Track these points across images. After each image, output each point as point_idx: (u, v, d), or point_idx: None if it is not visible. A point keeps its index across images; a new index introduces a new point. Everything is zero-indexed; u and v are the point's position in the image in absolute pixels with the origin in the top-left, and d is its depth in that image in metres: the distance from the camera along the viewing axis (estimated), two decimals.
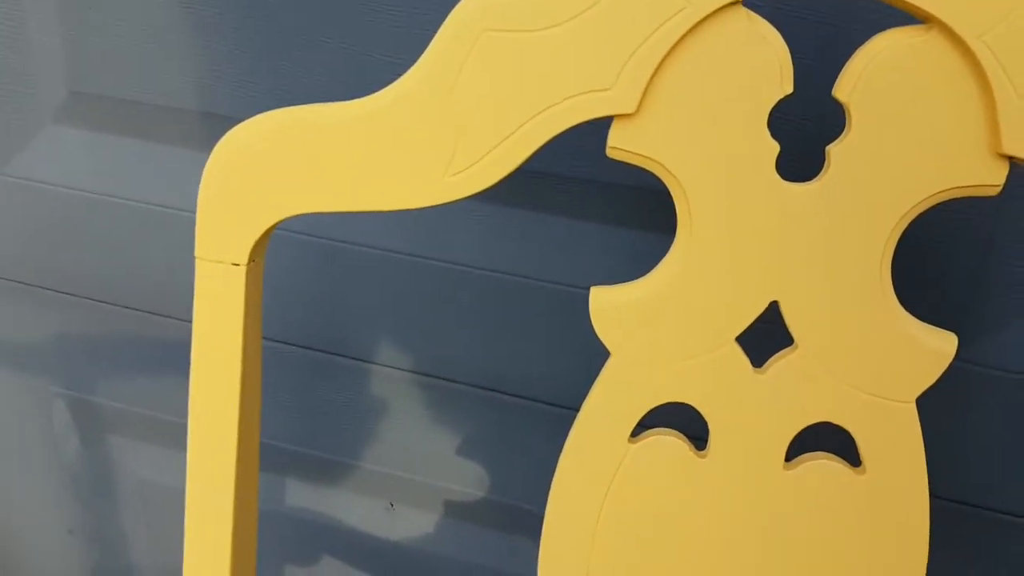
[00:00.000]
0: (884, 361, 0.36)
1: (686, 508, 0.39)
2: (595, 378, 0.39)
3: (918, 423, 0.37)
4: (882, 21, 0.34)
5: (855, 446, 0.38)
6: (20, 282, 0.71)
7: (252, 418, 0.40)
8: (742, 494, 0.39)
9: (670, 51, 0.34)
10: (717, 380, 0.38)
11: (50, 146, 0.65)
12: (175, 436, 0.72)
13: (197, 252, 0.37)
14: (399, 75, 0.35)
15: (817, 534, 0.39)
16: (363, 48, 0.55)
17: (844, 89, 0.34)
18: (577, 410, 0.40)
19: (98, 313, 0.70)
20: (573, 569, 0.41)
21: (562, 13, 0.34)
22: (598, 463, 0.40)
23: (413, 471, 0.68)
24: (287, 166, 0.36)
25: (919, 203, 0.35)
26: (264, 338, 0.64)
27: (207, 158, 0.36)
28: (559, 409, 0.61)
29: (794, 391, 0.37)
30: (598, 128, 0.36)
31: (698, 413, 0.39)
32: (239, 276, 0.37)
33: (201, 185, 0.36)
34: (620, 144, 0.36)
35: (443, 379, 0.63)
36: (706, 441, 0.39)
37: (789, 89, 0.34)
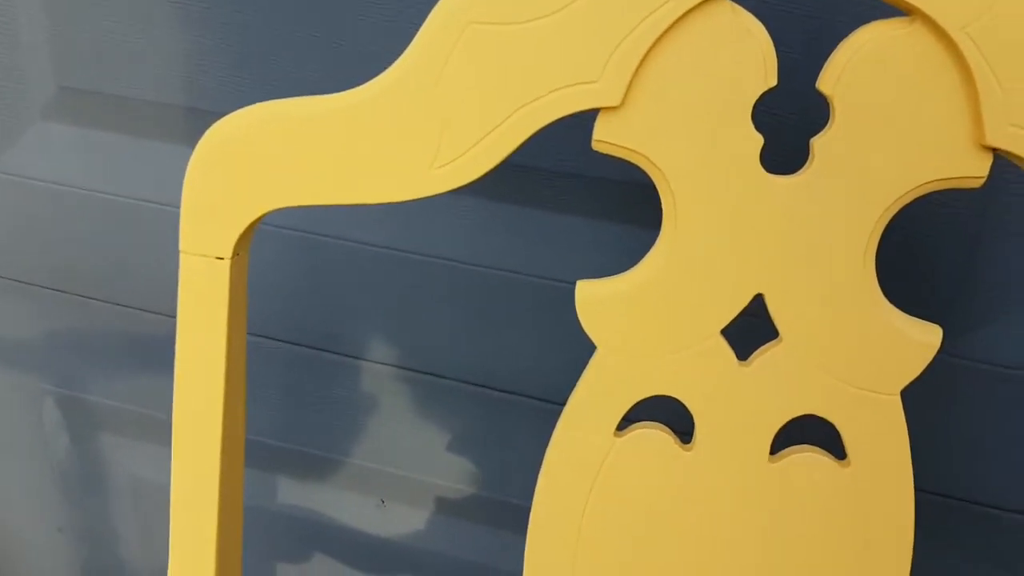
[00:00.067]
0: (869, 354, 0.36)
1: (672, 501, 0.39)
2: None
3: (903, 416, 0.37)
4: (868, 14, 0.34)
5: (840, 439, 0.38)
6: (9, 279, 0.71)
7: (237, 412, 0.40)
8: (727, 487, 0.39)
9: (655, 44, 0.34)
10: (702, 373, 0.38)
11: (39, 142, 0.65)
12: (166, 433, 0.72)
13: (181, 246, 0.37)
14: None
15: (802, 527, 0.39)
16: (353, 43, 0.55)
17: (828, 82, 0.34)
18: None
19: (88, 309, 0.70)
20: (559, 562, 0.41)
21: (547, 6, 0.34)
22: (584, 457, 0.40)
23: (404, 468, 0.67)
24: (271, 159, 0.35)
25: (903, 195, 0.35)
26: (253, 334, 0.64)
27: None
28: (549, 404, 0.61)
29: (779, 384, 0.37)
30: (585, 122, 0.36)
31: (684, 406, 0.39)
32: (223, 270, 0.37)
33: (185, 179, 0.36)
34: (605, 137, 0.36)
35: (433, 375, 0.63)
36: (692, 434, 0.39)
37: (773, 82, 0.35)
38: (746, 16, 0.34)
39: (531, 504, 0.41)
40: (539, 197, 0.56)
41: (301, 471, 0.70)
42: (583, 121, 0.36)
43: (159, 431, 0.73)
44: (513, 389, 0.62)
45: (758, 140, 0.35)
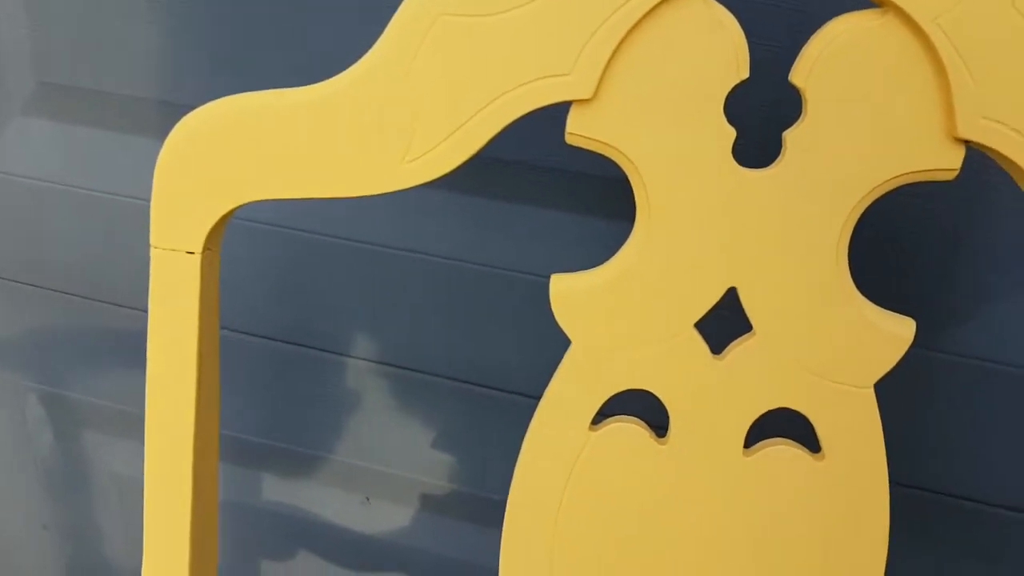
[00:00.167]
0: (842, 347, 0.36)
1: (647, 495, 0.39)
2: None
3: (876, 408, 0.37)
4: (854, 6, 0.34)
5: (814, 433, 0.38)
6: None
7: (210, 408, 0.40)
8: (702, 480, 0.39)
9: (626, 36, 0.34)
10: (676, 366, 0.38)
11: (19, 137, 0.65)
12: None
13: (152, 240, 0.37)
14: None
15: (777, 520, 0.39)
16: (333, 39, 0.55)
17: (800, 74, 0.34)
18: None
19: (70, 306, 0.69)
20: (536, 557, 0.41)
21: None
22: (560, 451, 0.40)
23: (389, 465, 0.67)
24: (241, 152, 0.35)
25: (875, 188, 0.35)
26: (236, 331, 0.64)
27: None
28: (533, 400, 0.60)
29: (753, 377, 0.37)
30: (565, 116, 0.36)
31: (659, 400, 0.39)
32: (194, 264, 0.37)
33: (155, 172, 0.36)
34: (578, 130, 0.36)
35: (418, 371, 0.63)
36: (667, 428, 0.39)
37: (745, 74, 0.34)
38: (718, 8, 0.34)
39: None
40: (520, 192, 0.55)
41: (285, 468, 0.70)
42: (563, 115, 0.36)
43: (143, 428, 0.72)
44: (497, 385, 0.61)
45: (730, 133, 0.35)
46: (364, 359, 0.63)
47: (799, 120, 0.35)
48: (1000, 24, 0.32)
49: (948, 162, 0.34)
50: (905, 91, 0.34)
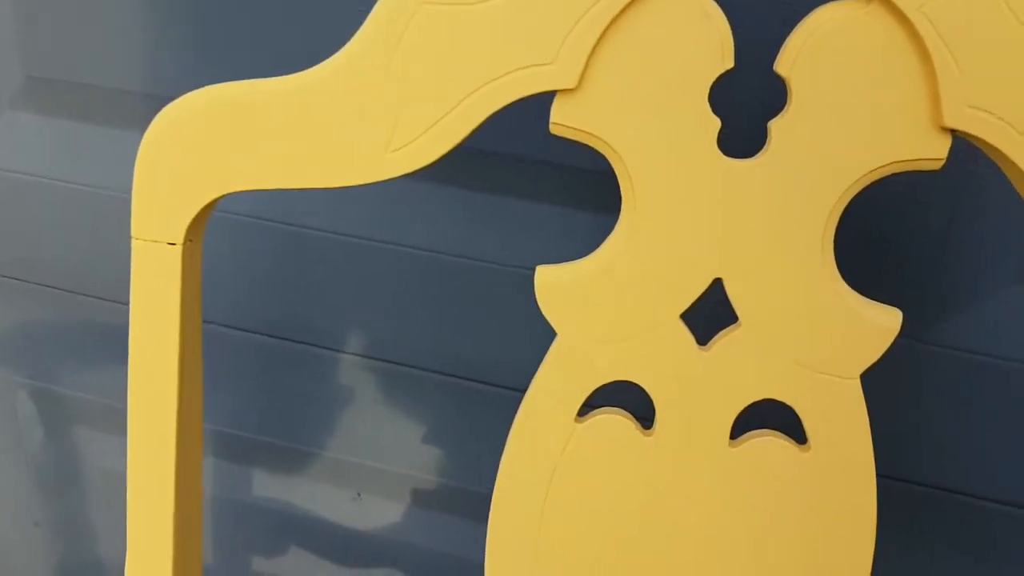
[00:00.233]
0: (828, 337, 0.36)
1: (633, 486, 0.39)
2: None
3: (863, 399, 0.37)
4: None
5: (800, 424, 0.38)
6: None
7: (193, 401, 0.40)
8: (688, 472, 0.39)
9: (610, 25, 0.34)
10: (662, 358, 0.38)
11: (7, 131, 0.64)
12: None
13: (133, 232, 0.36)
14: None
15: (763, 511, 0.39)
16: (324, 32, 0.55)
17: (785, 64, 0.34)
18: None
19: (60, 301, 0.69)
20: (522, 548, 0.40)
21: None
22: (545, 443, 0.40)
23: (380, 460, 0.67)
24: (222, 142, 0.35)
25: (861, 178, 0.35)
26: (224, 325, 0.64)
27: None
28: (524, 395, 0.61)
29: (738, 368, 0.37)
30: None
31: (645, 392, 0.39)
32: (175, 256, 0.36)
33: (136, 163, 0.36)
34: (562, 120, 0.35)
35: (407, 366, 0.63)
36: (653, 420, 0.39)
37: (730, 64, 0.34)
38: None
39: None
40: (507, 185, 0.55)
41: (276, 464, 0.70)
42: (549, 107, 0.35)
43: None
44: (486, 379, 0.61)
45: (715, 123, 0.35)
46: (353, 354, 0.63)
47: (784, 110, 0.35)
48: (986, 12, 0.32)
49: (934, 151, 0.34)
50: (890, 80, 0.34)
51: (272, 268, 0.62)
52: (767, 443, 0.38)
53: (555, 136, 0.36)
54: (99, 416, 0.73)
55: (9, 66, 0.62)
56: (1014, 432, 0.53)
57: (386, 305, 0.61)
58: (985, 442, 0.53)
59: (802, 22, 0.34)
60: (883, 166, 0.35)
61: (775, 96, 0.35)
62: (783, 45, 0.34)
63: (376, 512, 0.69)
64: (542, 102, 0.35)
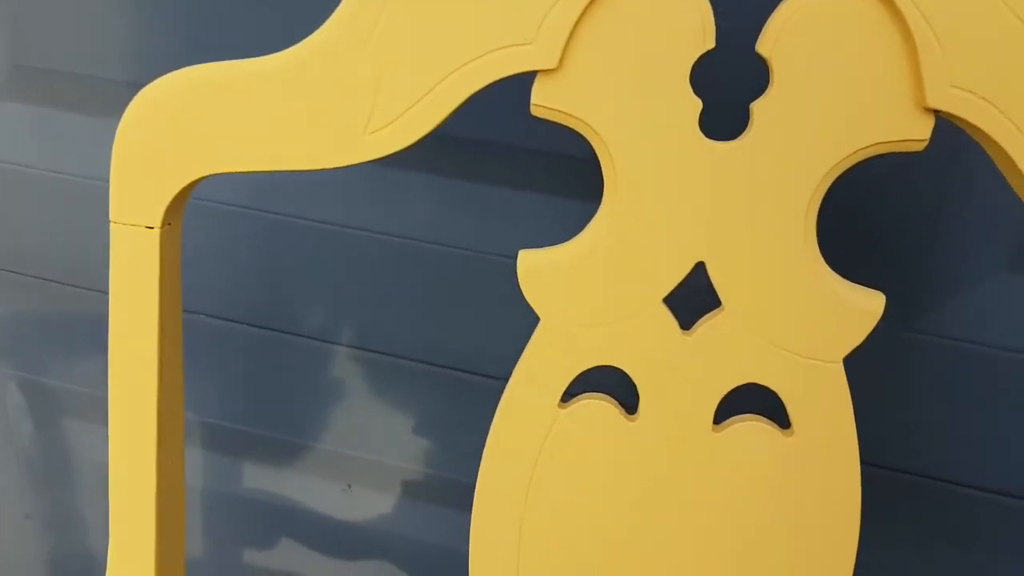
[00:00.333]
0: (811, 321, 0.36)
1: (617, 471, 0.39)
2: None
3: (846, 383, 0.37)
4: None
5: (784, 409, 0.38)
6: None
7: (174, 387, 0.39)
8: (672, 456, 0.38)
9: (590, 3, 0.33)
10: (645, 342, 0.37)
11: None
12: None
13: (111, 215, 0.36)
14: None
15: (747, 496, 0.38)
16: (310, 20, 0.54)
17: (766, 44, 0.34)
18: None
19: (49, 293, 0.69)
20: (506, 533, 0.40)
21: None
22: (529, 428, 0.39)
23: (370, 452, 0.67)
24: (199, 124, 0.35)
25: (844, 159, 0.34)
26: (208, 315, 0.64)
27: None
28: None
29: (722, 352, 0.37)
30: None
31: (629, 378, 0.38)
32: (153, 240, 0.36)
33: (114, 145, 0.35)
34: (543, 101, 0.35)
35: (395, 356, 0.62)
36: (636, 405, 0.39)
37: (711, 44, 0.34)
38: None
39: None
40: (493, 173, 0.55)
41: (265, 456, 0.70)
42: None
43: None
44: (476, 369, 0.61)
45: (697, 104, 0.35)
46: (340, 344, 0.63)
47: (766, 91, 0.34)
48: None
49: (917, 132, 0.34)
50: (873, 60, 0.33)
51: (256, 257, 0.62)
52: (751, 428, 0.38)
53: (539, 124, 0.36)
54: (89, 408, 0.73)
55: None
56: (999, 420, 0.52)
57: (372, 294, 0.60)
58: (970, 430, 0.53)
59: (783, 2, 0.34)
60: (866, 147, 0.34)
61: (757, 77, 0.35)
62: (765, 25, 0.34)
63: (366, 503, 0.69)
64: (524, 89, 0.35)
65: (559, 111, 0.35)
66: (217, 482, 0.72)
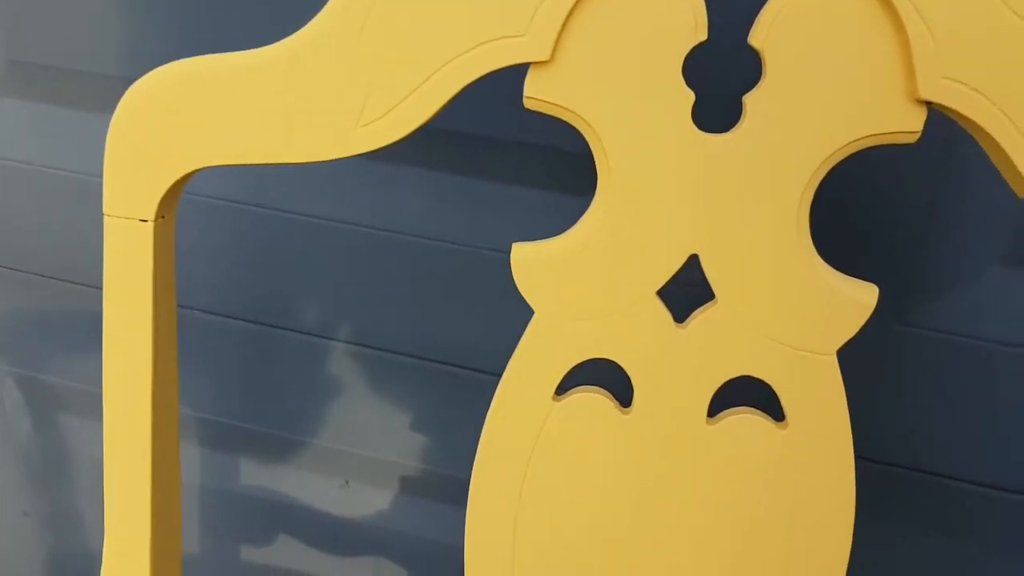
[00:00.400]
0: (804, 313, 0.36)
1: (611, 465, 0.39)
2: None
3: (839, 375, 0.37)
4: None
5: (778, 401, 0.38)
6: None
7: (169, 381, 0.39)
8: (666, 449, 0.38)
9: None
10: (639, 335, 0.37)
11: None
12: None
13: (105, 208, 0.36)
14: None
15: (741, 489, 0.38)
16: (306, 14, 0.54)
17: (758, 36, 0.34)
18: None
19: (46, 289, 0.69)
20: (500, 528, 0.40)
21: None
22: (523, 422, 0.39)
23: (367, 448, 0.67)
24: (192, 117, 0.35)
25: (836, 151, 0.34)
26: (204, 311, 0.64)
27: None
28: None
29: (715, 345, 0.37)
30: None
31: (623, 372, 0.38)
32: (147, 232, 0.36)
33: (107, 138, 0.35)
34: (535, 94, 0.35)
35: (392, 352, 0.62)
36: (631, 399, 0.39)
37: (703, 36, 0.34)
38: None
39: None
40: (488, 168, 0.55)
41: (262, 452, 0.70)
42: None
43: None
44: (472, 365, 0.61)
45: (689, 96, 0.35)
46: (335, 340, 0.63)
47: (759, 83, 0.34)
48: None
49: (909, 124, 0.34)
50: (865, 52, 0.33)
51: (251, 253, 0.62)
52: (745, 420, 0.38)
53: (532, 118, 0.36)
54: (87, 404, 0.73)
55: None
56: (993, 414, 0.52)
57: (367, 290, 0.60)
58: (964, 424, 0.53)
59: None
60: (858, 139, 0.34)
61: (750, 69, 0.35)
62: (757, 17, 0.34)
63: (363, 499, 0.69)
64: (517, 83, 0.35)
65: (552, 103, 0.35)
66: (214, 479, 0.72)
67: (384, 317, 0.61)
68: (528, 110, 0.36)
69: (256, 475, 0.71)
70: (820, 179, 0.35)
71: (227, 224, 0.61)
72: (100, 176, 0.63)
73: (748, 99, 0.35)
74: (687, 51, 0.34)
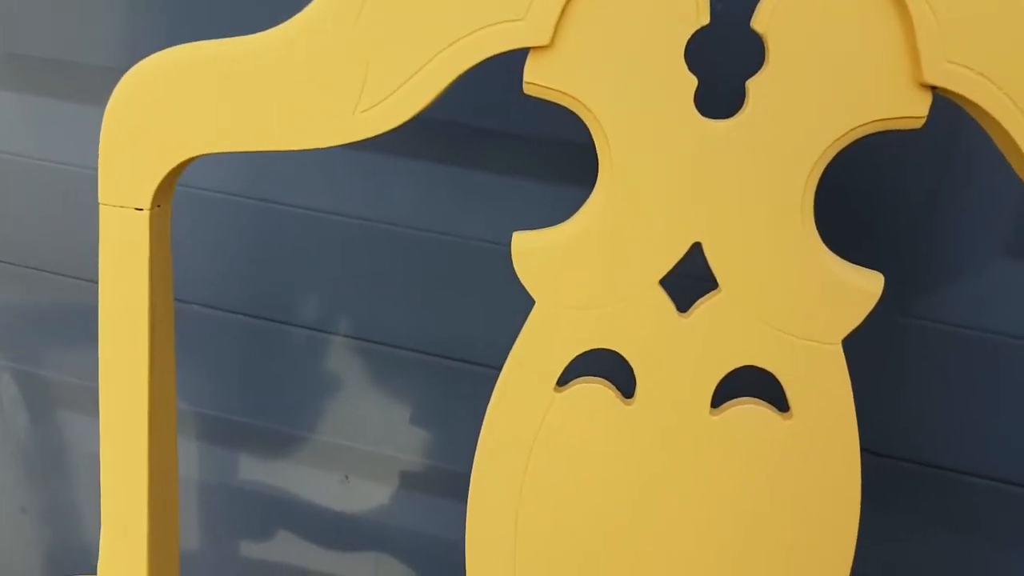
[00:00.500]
0: (808, 301, 0.36)
1: (613, 456, 0.38)
2: None
3: (845, 365, 0.36)
4: None
5: (783, 392, 0.37)
6: None
7: (166, 372, 0.39)
8: (669, 440, 0.38)
9: None
10: (641, 325, 0.37)
11: None
12: None
13: (100, 197, 0.36)
14: None
15: (746, 480, 0.38)
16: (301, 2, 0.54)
17: (761, 20, 0.33)
18: None
19: (42, 283, 0.68)
20: (502, 519, 0.40)
21: None
22: (525, 413, 0.39)
23: (367, 442, 0.67)
24: (188, 104, 0.34)
25: (841, 137, 0.34)
26: (203, 305, 0.63)
27: None
28: None
29: (719, 334, 0.37)
30: None
31: (625, 362, 0.38)
32: (143, 221, 0.36)
33: (103, 125, 0.35)
34: (535, 79, 0.35)
35: (392, 346, 0.62)
36: (633, 389, 0.38)
37: (705, 20, 0.33)
38: None
39: None
40: (488, 159, 0.55)
41: (262, 447, 0.69)
42: None
43: None
44: (473, 359, 0.61)
45: (692, 81, 0.34)
46: (335, 334, 0.63)
47: (762, 68, 0.34)
48: None
49: (914, 109, 0.33)
50: (869, 36, 0.33)
51: (250, 247, 0.61)
52: (749, 411, 0.38)
53: (533, 109, 0.36)
54: (84, 399, 0.73)
55: None
56: (999, 407, 0.52)
57: (366, 283, 0.60)
58: (969, 418, 0.53)
59: None
60: (863, 125, 0.34)
61: (753, 54, 0.34)
62: (759, 0, 0.33)
63: (363, 494, 0.69)
64: (516, 74, 0.34)
65: (552, 89, 0.35)
66: (212, 474, 0.71)
67: (383, 311, 0.61)
68: (526, 100, 0.35)
69: (255, 470, 0.70)
70: (824, 166, 0.35)
71: (225, 217, 0.61)
72: (96, 169, 0.62)
73: (751, 84, 0.34)
74: (689, 35, 0.34)
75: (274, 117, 0.34)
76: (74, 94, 0.62)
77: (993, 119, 0.33)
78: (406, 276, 0.59)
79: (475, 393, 0.61)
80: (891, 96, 0.33)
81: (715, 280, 0.36)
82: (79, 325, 0.70)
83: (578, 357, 0.38)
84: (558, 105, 0.35)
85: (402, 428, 0.65)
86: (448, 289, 0.59)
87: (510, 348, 0.59)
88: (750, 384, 0.38)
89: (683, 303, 0.37)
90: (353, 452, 0.67)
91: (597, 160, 0.36)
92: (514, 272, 0.56)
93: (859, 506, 0.38)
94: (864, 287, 0.36)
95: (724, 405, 0.38)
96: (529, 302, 0.38)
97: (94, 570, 0.44)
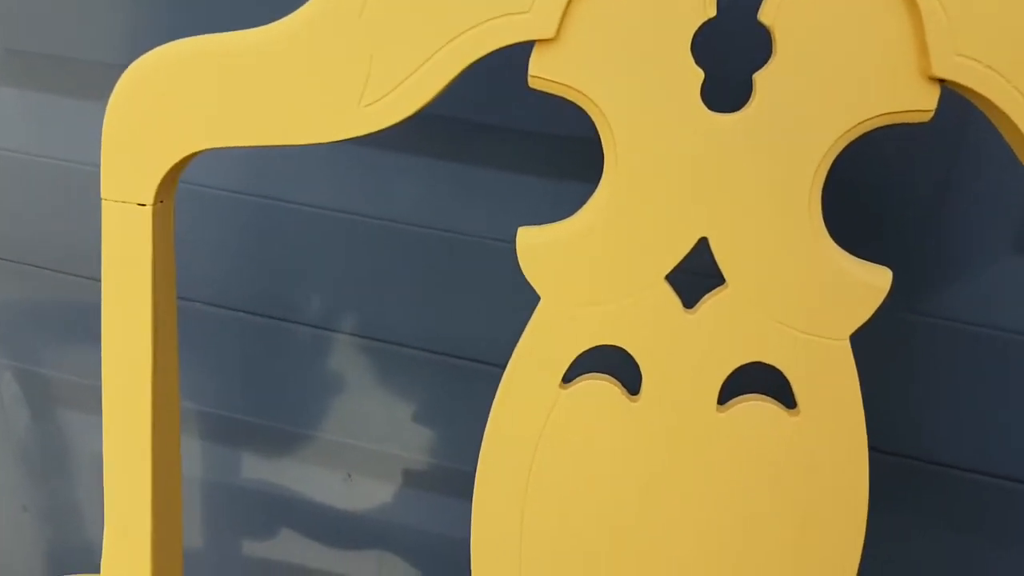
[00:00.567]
0: (816, 297, 0.35)
1: (619, 453, 0.38)
2: None
3: (852, 361, 0.36)
4: None
5: (790, 388, 0.37)
6: None
7: (168, 368, 0.39)
8: (675, 437, 0.38)
9: None
10: (648, 321, 0.37)
11: None
12: None
13: (103, 193, 0.35)
14: None
15: (752, 477, 0.38)
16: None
17: (768, 12, 0.33)
18: None
19: (43, 280, 0.68)
20: (508, 517, 0.40)
21: None
22: (530, 409, 0.39)
23: (369, 440, 0.66)
24: (190, 98, 0.34)
25: (848, 131, 0.34)
26: (206, 303, 0.63)
27: None
28: None
29: (726, 330, 0.36)
30: None
31: (631, 359, 0.38)
32: (146, 217, 0.35)
33: (105, 120, 0.35)
34: (540, 72, 0.34)
35: (396, 344, 0.62)
36: (639, 386, 0.38)
37: (712, 13, 0.33)
38: None
39: None
40: (492, 156, 0.54)
41: (265, 445, 0.69)
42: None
43: None
44: (477, 357, 0.60)
45: (698, 75, 0.34)
46: (338, 331, 0.62)
47: (769, 61, 0.34)
48: None
49: (923, 102, 0.33)
50: (877, 28, 0.33)
51: (253, 245, 0.61)
52: (756, 408, 0.37)
53: (537, 105, 0.35)
54: (86, 398, 0.73)
55: None
56: (1007, 405, 0.52)
57: (370, 281, 0.60)
58: (977, 415, 0.52)
59: None
60: (871, 118, 0.34)
61: (760, 47, 0.34)
62: None
63: (366, 492, 0.69)
64: (520, 70, 0.34)
65: (557, 82, 0.34)
66: (215, 472, 0.71)
67: (387, 308, 0.61)
68: (528, 95, 0.35)
69: (258, 468, 0.70)
70: (832, 159, 0.34)
71: (227, 215, 0.60)
72: (97, 166, 0.62)
73: (758, 77, 0.34)
74: (696, 28, 0.33)
75: (277, 111, 0.34)
76: (74, 90, 0.62)
77: (1002, 112, 0.33)
78: (409, 273, 0.59)
79: (479, 391, 0.61)
80: (899, 89, 0.33)
81: (722, 276, 0.36)
82: (80, 323, 0.69)
83: (583, 354, 0.38)
84: (561, 100, 0.35)
85: (405, 426, 0.65)
86: (451, 286, 0.58)
87: (514, 345, 0.59)
88: (757, 381, 0.37)
89: (689, 299, 0.37)
90: (356, 450, 0.67)
91: (601, 155, 0.36)
92: (518, 268, 0.56)
93: (866, 503, 0.38)
94: (872, 283, 0.35)
95: (731, 402, 0.38)
96: (533, 298, 0.37)
97: (96, 569, 0.43)
